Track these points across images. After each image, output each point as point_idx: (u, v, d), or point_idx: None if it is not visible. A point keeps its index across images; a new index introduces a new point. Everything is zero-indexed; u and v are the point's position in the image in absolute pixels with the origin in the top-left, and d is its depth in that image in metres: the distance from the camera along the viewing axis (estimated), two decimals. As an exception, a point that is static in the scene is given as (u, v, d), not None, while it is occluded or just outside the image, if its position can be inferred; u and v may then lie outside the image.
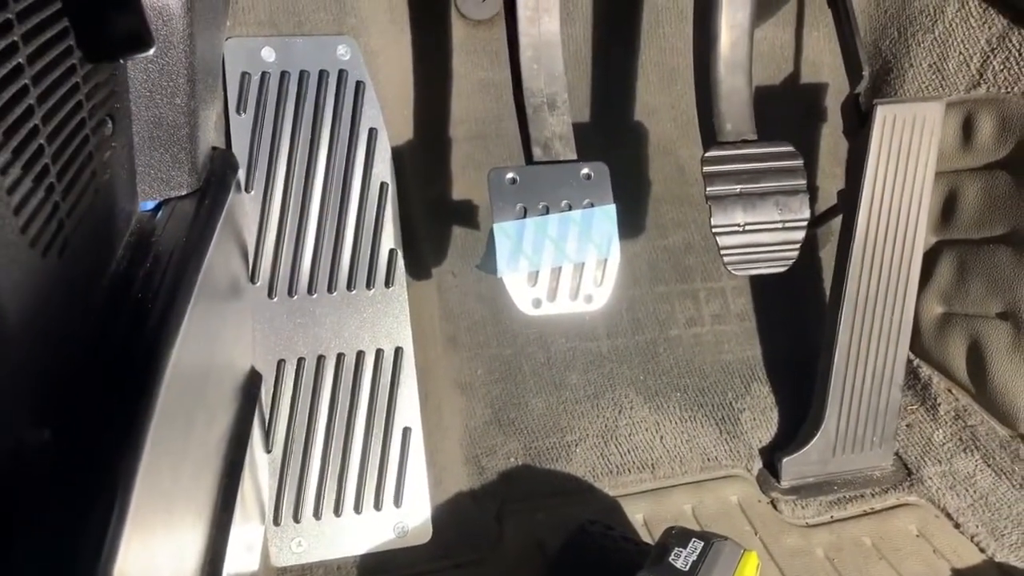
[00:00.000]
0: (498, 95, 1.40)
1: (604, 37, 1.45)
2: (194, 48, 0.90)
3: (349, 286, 1.17)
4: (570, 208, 1.01)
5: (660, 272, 1.49)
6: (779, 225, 1.10)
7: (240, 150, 1.16)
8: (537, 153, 1.05)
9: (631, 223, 1.49)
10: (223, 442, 0.95)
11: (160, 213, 0.95)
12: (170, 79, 0.89)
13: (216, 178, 1.06)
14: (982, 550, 1.19)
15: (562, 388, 1.38)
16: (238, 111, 1.16)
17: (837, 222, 1.33)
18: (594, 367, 1.41)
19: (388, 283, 1.18)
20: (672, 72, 1.49)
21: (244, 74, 1.17)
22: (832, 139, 1.52)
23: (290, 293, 1.16)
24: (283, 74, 1.18)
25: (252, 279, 1.15)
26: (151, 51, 0.70)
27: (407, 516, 1.15)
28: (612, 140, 1.47)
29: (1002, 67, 1.22)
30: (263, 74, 1.17)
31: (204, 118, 1.00)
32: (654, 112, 1.49)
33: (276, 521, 1.12)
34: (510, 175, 1.00)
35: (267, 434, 1.13)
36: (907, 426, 1.37)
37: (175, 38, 0.87)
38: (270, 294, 1.15)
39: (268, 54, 1.18)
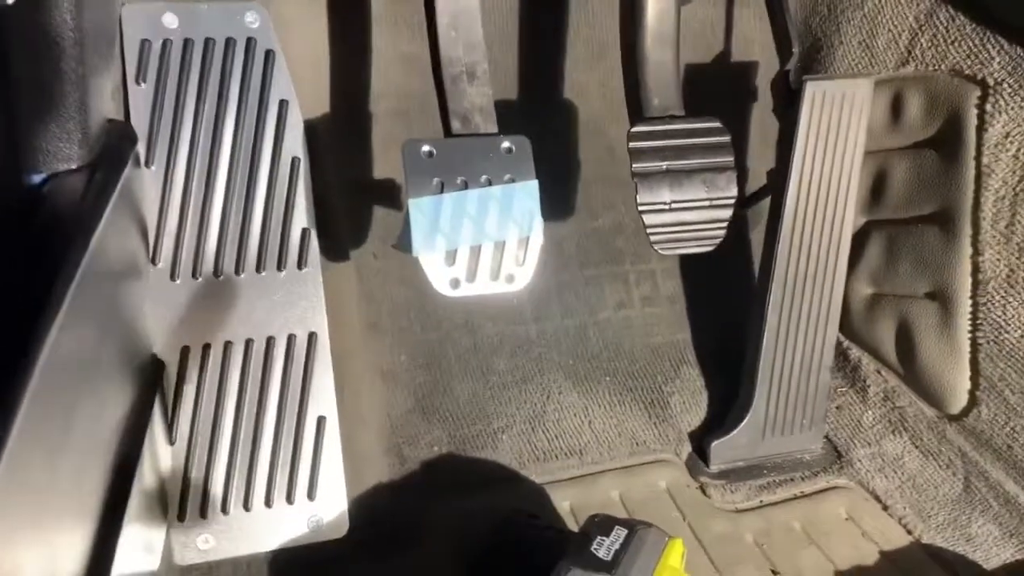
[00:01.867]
0: (421, 70, 1.33)
1: (531, 10, 1.40)
2: (80, 9, 0.82)
3: (258, 268, 1.10)
4: (490, 183, 0.97)
5: (590, 255, 1.46)
6: (706, 203, 1.07)
7: (140, 122, 1.08)
8: (456, 126, 1.00)
9: (560, 205, 1.45)
10: (116, 434, 0.88)
11: (46, 187, 0.88)
12: (54, 43, 0.81)
13: (111, 151, 0.99)
14: (909, 532, 1.18)
15: (489, 374, 1.34)
16: (137, 81, 1.09)
17: (767, 204, 1.31)
18: (522, 352, 1.37)
19: (301, 264, 1.12)
20: (601, 48, 1.45)
21: (144, 41, 1.09)
22: (763, 119, 1.49)
23: (194, 275, 1.08)
24: (186, 42, 1.10)
25: (153, 260, 1.07)
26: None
27: (322, 509, 1.10)
28: (539, 119, 1.42)
29: (929, 44, 1.21)
30: (165, 42, 1.10)
31: (97, 87, 0.93)
32: (583, 90, 1.45)
33: (180, 517, 1.05)
34: (426, 148, 0.95)
35: (170, 425, 1.06)
36: (837, 408, 1.36)
37: (56, -4, 0.80)
38: (172, 276, 1.08)
39: (170, 20, 1.10)
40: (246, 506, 1.07)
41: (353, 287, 1.29)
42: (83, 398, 0.77)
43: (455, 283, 0.95)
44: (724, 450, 1.27)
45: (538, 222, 0.98)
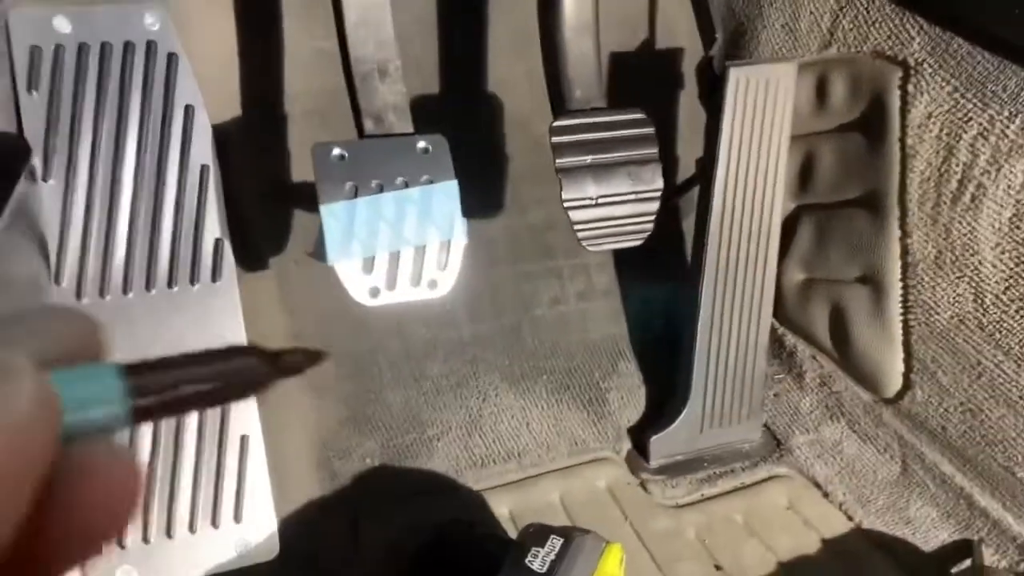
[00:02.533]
0: (338, 66, 1.28)
1: (450, 1, 1.36)
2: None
3: (170, 283, 1.05)
4: (407, 185, 0.93)
5: (521, 252, 1.42)
6: (632, 197, 1.05)
7: (34, 134, 1.02)
8: (369, 126, 0.96)
9: (488, 203, 1.41)
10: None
11: (-73, 209, 0.82)
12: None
13: (0, 166, 0.93)
14: (850, 517, 1.18)
15: (422, 380, 1.30)
16: (29, 90, 1.02)
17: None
18: (456, 355, 1.33)
19: (215, 277, 1.07)
20: (526, 39, 1.40)
21: (34, 48, 1.03)
22: (691, 106, 1.47)
23: (102, 294, 1.03)
24: (81, 47, 1.04)
25: (56, 279, 1.01)
26: None
27: (249, 531, 1.05)
28: (463, 115, 1.38)
29: (851, 26, 1.20)
30: (57, 47, 1.03)
31: (-20, 98, 0.87)
32: (507, 83, 1.42)
33: (97, 550, 1.00)
34: (337, 151, 0.91)
35: (82, 453, 1.00)
36: (775, 396, 1.35)
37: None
38: (78, 295, 1.02)
39: (62, 24, 1.04)
40: (168, 533, 1.02)
41: (274, 297, 1.24)
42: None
43: (374, 292, 0.91)
44: (663, 445, 1.25)
45: (459, 224, 0.95)
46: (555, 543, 0.86)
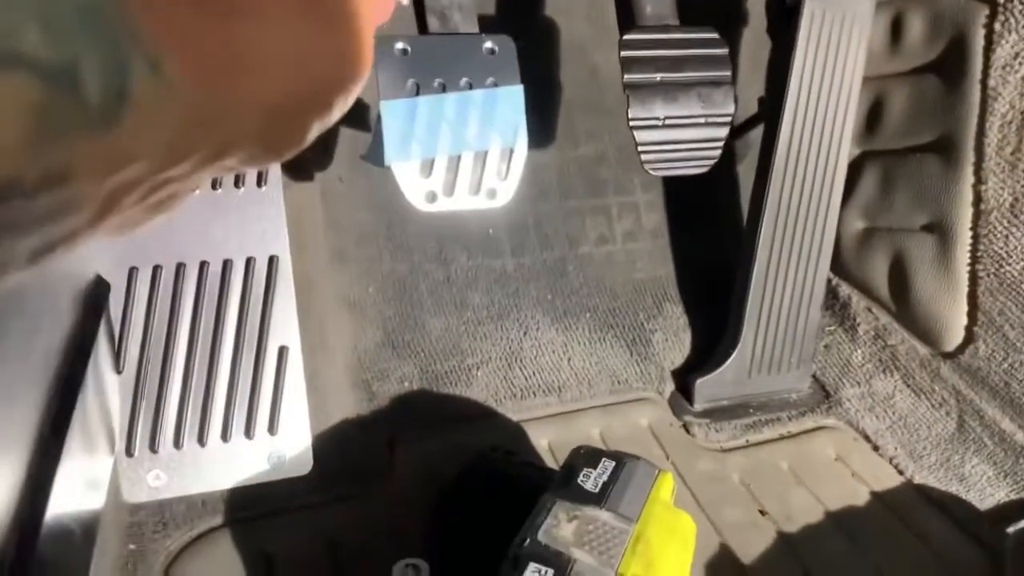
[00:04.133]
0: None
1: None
2: None
3: (214, 185, 1.01)
4: (471, 87, 0.88)
5: (570, 185, 1.38)
6: (701, 120, 1.00)
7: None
8: (433, 24, 0.91)
9: (539, 131, 1.36)
10: (54, 359, 0.79)
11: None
12: None
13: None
14: (900, 472, 1.14)
15: (463, 308, 1.26)
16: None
17: (756, 135, 1.24)
18: (498, 286, 1.29)
19: (260, 182, 1.03)
20: (586, -36, 1.36)
21: None
22: (753, 44, 1.42)
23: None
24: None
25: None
26: None
27: (283, 444, 1.02)
28: (519, 35, 1.33)
29: (935, -39, 1.14)
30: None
31: None
32: (566, 8, 1.36)
33: (129, 451, 0.97)
34: (400, 45, 0.86)
35: (118, 352, 0.97)
36: (825, 347, 1.30)
37: None
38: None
39: None
40: (201, 440, 0.99)
41: (318, 212, 1.20)
42: (11, 314, 0.68)
43: (431, 196, 0.87)
44: (709, 388, 1.21)
45: (523, 132, 0.90)
46: (607, 465, 0.82)
